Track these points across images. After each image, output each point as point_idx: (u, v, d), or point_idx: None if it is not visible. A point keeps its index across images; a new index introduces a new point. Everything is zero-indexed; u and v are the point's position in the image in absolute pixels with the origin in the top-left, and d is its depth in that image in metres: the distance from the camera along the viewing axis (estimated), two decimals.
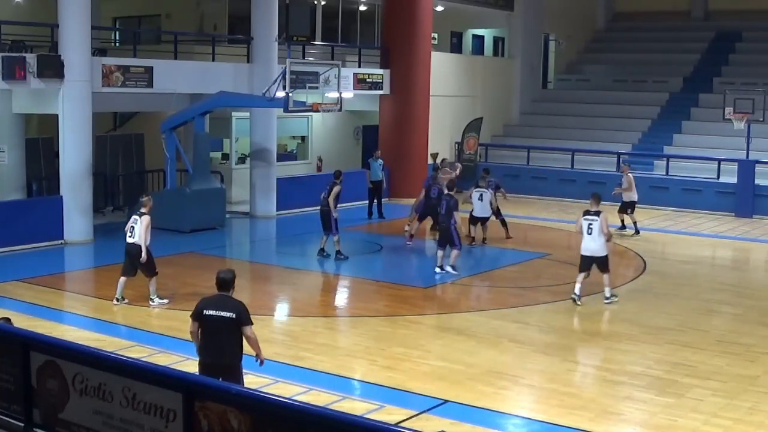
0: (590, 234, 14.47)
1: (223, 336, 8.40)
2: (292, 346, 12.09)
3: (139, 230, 13.65)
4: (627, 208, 20.93)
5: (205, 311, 8.45)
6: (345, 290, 16.19)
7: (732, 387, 10.78)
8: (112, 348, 10.84)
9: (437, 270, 16.57)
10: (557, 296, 15.24)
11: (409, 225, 20.34)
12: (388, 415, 9.54)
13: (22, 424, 7.90)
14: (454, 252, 16.56)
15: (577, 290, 14.50)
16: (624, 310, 14.53)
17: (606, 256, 14.61)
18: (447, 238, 16.51)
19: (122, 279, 14.02)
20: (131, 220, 13.92)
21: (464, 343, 12.40)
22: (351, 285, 16.40)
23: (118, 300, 14.02)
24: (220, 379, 7.95)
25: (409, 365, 11.39)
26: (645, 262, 18.11)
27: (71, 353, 7.74)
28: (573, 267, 17.38)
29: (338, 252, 17.51)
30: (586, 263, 14.61)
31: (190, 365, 10.90)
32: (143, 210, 13.80)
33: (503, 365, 11.52)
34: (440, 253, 16.67)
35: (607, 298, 14.61)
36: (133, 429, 7.11)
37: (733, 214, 24.35)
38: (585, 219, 14.57)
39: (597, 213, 14.51)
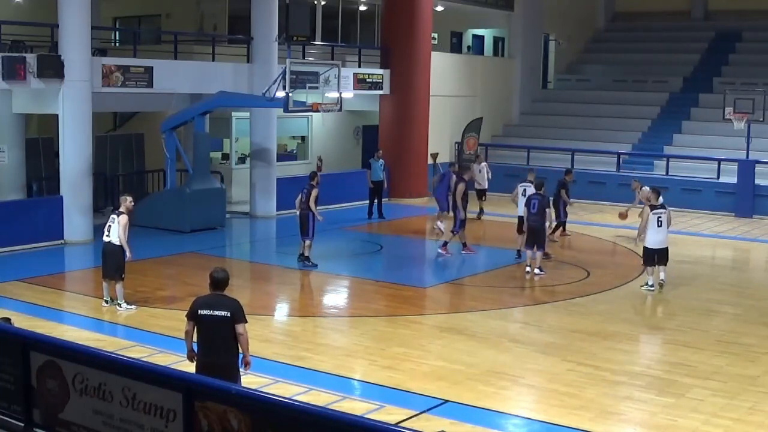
0: (660, 226, 15.30)
1: (217, 335, 8.36)
2: (292, 346, 12.09)
3: (116, 230, 13.51)
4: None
5: (199, 311, 8.40)
6: (345, 290, 16.18)
7: (732, 387, 10.78)
8: (112, 348, 10.84)
9: (527, 270, 16.56)
10: (557, 296, 15.25)
11: (441, 221, 20.12)
12: (388, 415, 9.54)
13: (22, 424, 7.90)
14: (539, 254, 16.53)
15: (651, 282, 15.41)
16: (624, 310, 14.53)
17: (668, 247, 15.52)
18: (538, 239, 16.47)
19: (104, 284, 13.91)
20: (109, 218, 13.79)
21: (464, 343, 12.40)
22: (351, 285, 16.39)
23: (106, 302, 13.89)
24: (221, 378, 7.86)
25: (409, 365, 11.39)
26: None
27: (71, 353, 7.74)
28: (573, 267, 17.47)
29: (307, 258, 17.03)
30: (653, 256, 15.33)
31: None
32: (121, 209, 13.65)
33: (503, 365, 11.52)
34: (530, 253, 16.63)
35: (661, 285, 15.42)
36: (133, 429, 7.12)
37: (733, 214, 24.36)
38: (654, 213, 15.28)
39: (663, 206, 15.49)
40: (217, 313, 8.32)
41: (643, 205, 17.61)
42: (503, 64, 32.50)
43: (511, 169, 27.72)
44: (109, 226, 13.65)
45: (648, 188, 17.49)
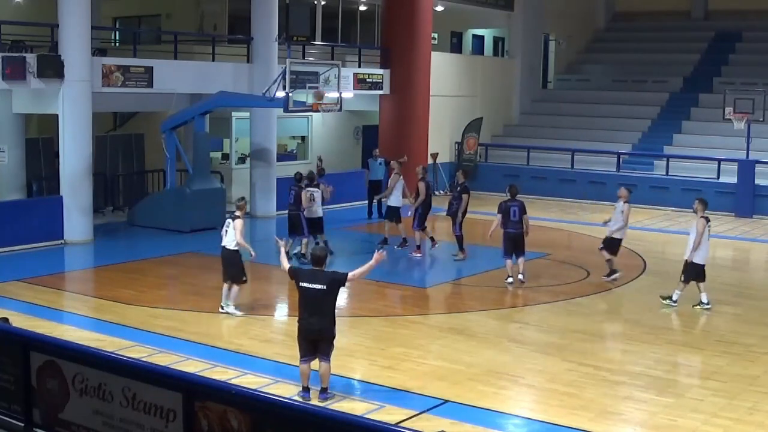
0: (708, 240, 14.31)
1: (317, 304, 9.81)
2: (292, 346, 12.02)
3: (232, 234, 13.31)
4: None
5: (300, 283, 9.92)
6: (345, 290, 16.07)
7: (732, 387, 10.79)
8: (112, 348, 10.85)
9: (510, 279, 15.75)
10: (557, 296, 15.24)
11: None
12: (388, 415, 9.54)
13: (22, 424, 7.90)
14: (521, 260, 15.79)
15: (676, 297, 14.46)
16: (624, 310, 14.54)
17: None
18: (517, 246, 15.80)
19: (224, 286, 13.70)
20: (225, 223, 13.59)
21: (464, 343, 12.40)
22: (351, 285, 16.32)
23: (222, 308, 13.65)
24: (317, 340, 9.90)
25: (409, 365, 11.39)
26: (645, 262, 18.11)
27: (71, 353, 7.75)
28: (573, 267, 17.47)
29: (303, 255, 17.06)
30: (699, 272, 14.33)
31: (190, 365, 10.93)
32: (237, 213, 13.43)
33: (503, 365, 11.52)
34: (509, 262, 15.89)
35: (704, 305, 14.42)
36: (133, 429, 7.12)
37: (733, 214, 24.34)
38: (709, 225, 14.23)
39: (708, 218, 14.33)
40: (315, 286, 9.80)
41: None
42: (503, 64, 32.50)
43: (512, 169, 27.80)
44: (225, 230, 13.45)
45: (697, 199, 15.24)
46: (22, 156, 20.56)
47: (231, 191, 24.27)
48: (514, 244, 15.72)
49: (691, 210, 24.14)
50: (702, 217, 14.36)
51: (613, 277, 16.19)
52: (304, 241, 17.16)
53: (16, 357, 7.88)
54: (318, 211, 17.68)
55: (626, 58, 33.69)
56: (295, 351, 11.80)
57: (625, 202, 16.17)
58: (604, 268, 17.61)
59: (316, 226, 17.73)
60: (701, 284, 14.40)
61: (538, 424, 9.66)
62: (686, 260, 14.40)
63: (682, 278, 14.42)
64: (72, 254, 18.20)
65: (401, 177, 19.59)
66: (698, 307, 14.43)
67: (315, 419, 6.24)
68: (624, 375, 11.18)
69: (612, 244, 16.20)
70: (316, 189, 17.67)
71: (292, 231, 17.47)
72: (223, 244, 13.52)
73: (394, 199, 19.22)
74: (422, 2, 26.62)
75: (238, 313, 13.59)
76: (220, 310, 13.67)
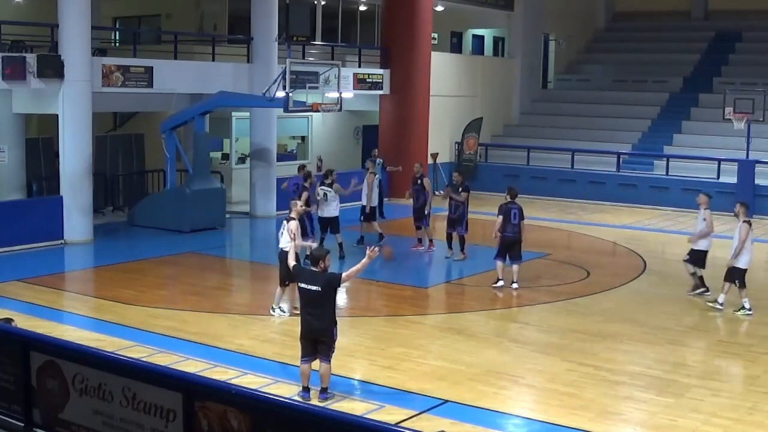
0: (752, 244, 14.12)
1: (314, 305, 9.88)
2: (292, 346, 12.04)
3: (286, 236, 13.10)
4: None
5: (300, 283, 10.06)
6: (345, 290, 16.14)
7: (732, 387, 10.80)
8: (112, 348, 10.84)
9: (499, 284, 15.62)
10: (557, 296, 15.23)
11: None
12: (388, 415, 9.54)
13: (22, 424, 7.90)
14: (515, 267, 15.55)
15: (722, 300, 14.30)
16: (624, 310, 14.53)
17: None
18: (512, 250, 15.63)
19: (278, 289, 13.59)
20: (282, 225, 13.44)
21: (464, 343, 12.40)
22: (351, 285, 16.35)
23: (273, 309, 13.57)
24: (317, 340, 9.91)
25: (409, 365, 11.39)
26: (645, 262, 18.11)
27: (71, 353, 7.74)
28: (573, 267, 17.45)
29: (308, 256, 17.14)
30: (744, 276, 14.08)
31: (190, 365, 10.93)
32: (291, 215, 13.27)
33: (503, 365, 11.52)
34: (500, 264, 15.74)
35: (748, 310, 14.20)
36: (133, 429, 7.11)
37: (733, 214, 24.29)
38: (752, 229, 13.96)
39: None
40: (312, 287, 9.89)
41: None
42: (503, 64, 32.50)
43: (512, 169, 27.80)
44: (281, 232, 13.30)
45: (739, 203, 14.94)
46: (22, 156, 20.56)
47: (231, 191, 24.29)
48: (509, 248, 15.59)
49: (691, 210, 24.41)
50: (744, 221, 14.11)
51: (699, 291, 15.37)
52: (308, 242, 17.13)
53: (16, 357, 7.87)
54: (331, 210, 17.55)
55: (626, 58, 33.69)
56: (295, 351, 11.83)
57: (705, 209, 15.40)
58: (603, 266, 17.62)
59: (331, 225, 17.65)
60: (733, 286, 14.18)
61: (538, 424, 9.66)
62: (729, 265, 14.24)
63: (736, 284, 14.21)
64: (72, 254, 18.20)
65: (377, 176, 19.62)
66: (713, 304, 14.36)
67: (315, 419, 6.24)
68: (624, 375, 11.18)
69: (697, 256, 15.54)
70: (329, 188, 17.55)
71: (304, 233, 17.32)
72: (280, 246, 13.33)
73: (372, 198, 19.30)
74: (422, 2, 26.63)
75: (285, 314, 13.49)
76: (270, 312, 13.53)
